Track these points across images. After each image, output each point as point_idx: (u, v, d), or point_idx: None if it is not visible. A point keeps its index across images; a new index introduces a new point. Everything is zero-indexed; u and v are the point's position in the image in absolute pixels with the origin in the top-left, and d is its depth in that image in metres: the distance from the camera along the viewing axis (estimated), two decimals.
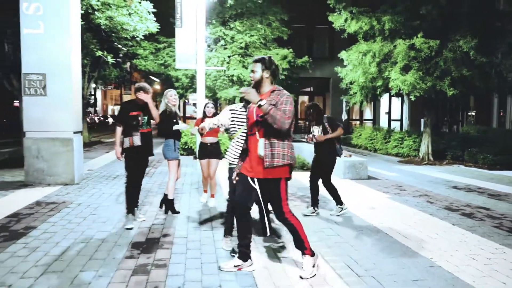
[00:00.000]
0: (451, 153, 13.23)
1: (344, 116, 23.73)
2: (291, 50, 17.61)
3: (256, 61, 3.66)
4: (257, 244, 4.45)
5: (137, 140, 5.06)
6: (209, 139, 6.25)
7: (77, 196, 6.86)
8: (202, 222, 5.41)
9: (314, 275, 3.61)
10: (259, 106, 3.40)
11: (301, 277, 3.57)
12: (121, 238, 4.66)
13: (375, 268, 3.83)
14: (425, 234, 4.99)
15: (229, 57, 17.12)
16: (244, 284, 3.44)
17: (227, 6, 17.04)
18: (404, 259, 4.10)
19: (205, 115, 6.16)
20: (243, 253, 3.75)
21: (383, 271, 3.75)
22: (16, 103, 37.23)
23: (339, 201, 5.88)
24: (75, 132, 8.14)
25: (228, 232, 4.41)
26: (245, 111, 4.24)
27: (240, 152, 4.08)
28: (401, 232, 5.07)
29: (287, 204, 3.61)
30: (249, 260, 3.77)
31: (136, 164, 5.19)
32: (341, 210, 5.87)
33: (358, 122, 26.24)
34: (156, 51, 17.28)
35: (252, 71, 3.65)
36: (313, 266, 3.66)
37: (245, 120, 4.16)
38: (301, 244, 3.65)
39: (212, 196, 6.50)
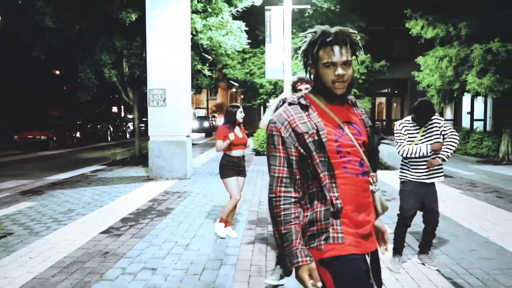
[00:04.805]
0: None
1: None
2: (368, 55, 18.41)
3: (348, 43, 1.75)
4: None
5: None
6: (238, 152, 5.06)
7: (194, 188, 8.54)
8: None
9: None
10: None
11: None
12: (240, 215, 6.15)
13: (442, 244, 4.91)
14: (489, 221, 5.89)
15: None
16: None
17: (306, 16, 18.34)
18: (463, 236, 5.12)
19: (234, 122, 5.05)
20: None
21: (448, 246, 4.83)
22: (115, 109, 41.73)
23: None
24: (187, 136, 9.92)
25: (398, 251, 4.18)
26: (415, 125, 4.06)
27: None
28: (466, 218, 6.03)
29: None
30: None
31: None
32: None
33: None
34: (242, 61, 19.08)
35: (347, 63, 1.74)
36: None
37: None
38: None
39: (229, 224, 5.25)
